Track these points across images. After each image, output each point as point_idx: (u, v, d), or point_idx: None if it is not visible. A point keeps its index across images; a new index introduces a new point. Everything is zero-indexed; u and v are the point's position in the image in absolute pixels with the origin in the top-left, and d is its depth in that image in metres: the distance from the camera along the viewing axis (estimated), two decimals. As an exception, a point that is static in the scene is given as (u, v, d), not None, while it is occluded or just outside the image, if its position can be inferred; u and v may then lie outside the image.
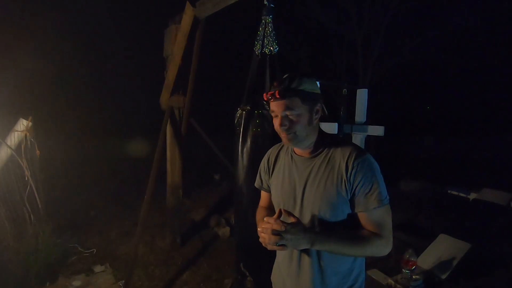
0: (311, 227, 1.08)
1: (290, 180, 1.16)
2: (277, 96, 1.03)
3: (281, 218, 1.03)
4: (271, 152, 1.30)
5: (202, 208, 4.68)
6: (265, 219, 1.02)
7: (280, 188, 1.19)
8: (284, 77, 1.07)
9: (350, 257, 1.11)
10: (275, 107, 1.07)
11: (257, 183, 1.36)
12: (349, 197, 1.04)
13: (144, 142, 6.58)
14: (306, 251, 1.10)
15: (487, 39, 9.34)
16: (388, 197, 1.04)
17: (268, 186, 1.29)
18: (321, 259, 1.09)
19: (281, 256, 1.23)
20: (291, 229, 0.97)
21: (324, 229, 1.06)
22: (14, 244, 3.03)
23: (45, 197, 3.43)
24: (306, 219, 1.10)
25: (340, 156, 1.07)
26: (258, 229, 1.04)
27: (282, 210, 1.05)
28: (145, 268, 3.15)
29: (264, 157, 1.32)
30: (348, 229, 1.06)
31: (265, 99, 1.08)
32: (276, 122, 1.09)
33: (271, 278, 1.31)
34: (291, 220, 1.02)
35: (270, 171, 1.26)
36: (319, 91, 1.10)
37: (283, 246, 0.97)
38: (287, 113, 1.05)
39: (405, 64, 9.24)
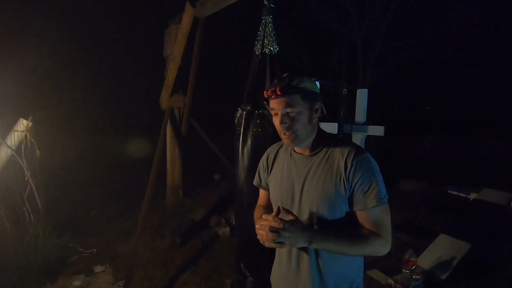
0: (309, 225, 1.08)
1: (289, 178, 1.16)
2: (278, 93, 1.04)
3: (280, 216, 1.03)
4: (271, 150, 1.30)
5: (202, 208, 4.68)
6: (263, 216, 1.02)
7: (279, 186, 1.19)
8: (284, 75, 1.07)
9: (349, 257, 1.10)
10: (276, 104, 1.07)
11: (255, 181, 1.36)
12: (348, 196, 1.05)
13: (144, 142, 6.58)
14: (304, 251, 1.10)
15: (488, 39, 9.33)
16: (387, 196, 1.05)
17: (267, 184, 1.29)
18: (319, 258, 1.09)
19: (280, 256, 1.22)
20: (289, 227, 0.97)
21: (322, 228, 1.07)
22: (14, 244, 3.03)
23: (45, 197, 3.43)
24: (304, 217, 1.10)
25: (339, 154, 1.07)
26: (256, 226, 1.04)
27: (280, 208, 1.05)
28: (145, 268, 3.15)
29: (264, 155, 1.32)
30: (346, 228, 1.06)
31: (266, 96, 1.09)
32: (276, 120, 1.09)
33: (270, 278, 1.30)
34: (290, 218, 1.02)
35: (269, 169, 1.27)
36: (318, 91, 1.11)
37: (280, 243, 0.98)
38: (288, 110, 1.05)
39: (405, 64, 9.24)
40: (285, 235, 0.96)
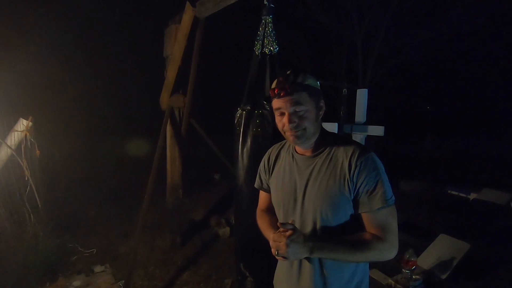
0: (310, 233, 1.06)
1: (290, 179, 1.12)
2: (288, 90, 1.00)
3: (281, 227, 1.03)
4: (272, 151, 1.27)
5: (202, 208, 4.68)
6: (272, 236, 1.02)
7: (281, 188, 1.15)
8: (288, 72, 1.03)
9: (354, 263, 1.08)
10: (282, 103, 1.02)
11: (256, 184, 1.32)
12: (352, 197, 1.01)
13: (144, 142, 6.57)
14: (307, 258, 1.07)
15: (487, 39, 9.34)
16: (393, 197, 1.01)
17: (268, 186, 1.26)
18: (322, 264, 1.07)
19: (282, 262, 1.20)
20: (290, 243, 0.96)
21: (324, 234, 1.04)
22: (14, 244, 3.03)
23: (45, 197, 3.43)
24: (307, 220, 1.07)
25: (343, 154, 1.03)
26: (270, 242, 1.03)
27: (279, 224, 1.02)
28: (145, 268, 3.15)
29: (264, 156, 1.29)
30: (350, 232, 1.03)
31: (272, 95, 1.05)
32: (282, 120, 1.04)
33: (273, 282, 1.28)
34: (289, 232, 0.98)
35: (270, 171, 1.23)
36: (319, 88, 1.08)
37: (284, 257, 0.98)
38: (296, 108, 1.01)
39: (405, 64, 9.24)
40: (287, 251, 0.95)
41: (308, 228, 1.07)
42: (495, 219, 3.92)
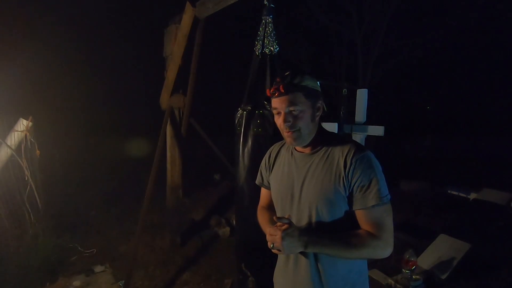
0: (306, 227, 1.08)
1: (289, 176, 1.15)
2: (282, 91, 1.03)
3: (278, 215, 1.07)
4: (273, 149, 1.31)
5: (202, 208, 4.68)
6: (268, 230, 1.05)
7: (279, 184, 1.19)
8: (286, 73, 1.06)
9: (349, 260, 1.09)
10: (278, 103, 1.06)
11: (257, 180, 1.36)
12: (347, 194, 1.03)
13: (144, 142, 6.57)
14: (302, 254, 1.09)
15: (488, 38, 9.34)
16: (389, 195, 1.02)
17: (268, 183, 1.29)
18: (318, 260, 1.08)
19: (279, 257, 1.23)
20: (285, 236, 0.98)
21: (319, 230, 1.06)
22: (14, 244, 3.03)
23: (45, 197, 3.43)
24: (303, 216, 1.09)
25: (339, 152, 1.06)
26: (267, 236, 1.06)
27: (275, 219, 1.05)
28: (145, 268, 3.15)
29: (266, 154, 1.32)
30: (345, 229, 1.04)
31: (268, 94, 1.08)
32: (279, 119, 1.08)
33: (273, 279, 1.30)
34: (284, 226, 1.01)
35: (270, 168, 1.26)
36: (319, 89, 1.10)
37: (279, 250, 1.01)
38: (291, 108, 1.04)
39: (405, 64, 9.24)
40: (282, 244, 0.98)
41: (303, 224, 1.09)
42: (495, 219, 3.92)
